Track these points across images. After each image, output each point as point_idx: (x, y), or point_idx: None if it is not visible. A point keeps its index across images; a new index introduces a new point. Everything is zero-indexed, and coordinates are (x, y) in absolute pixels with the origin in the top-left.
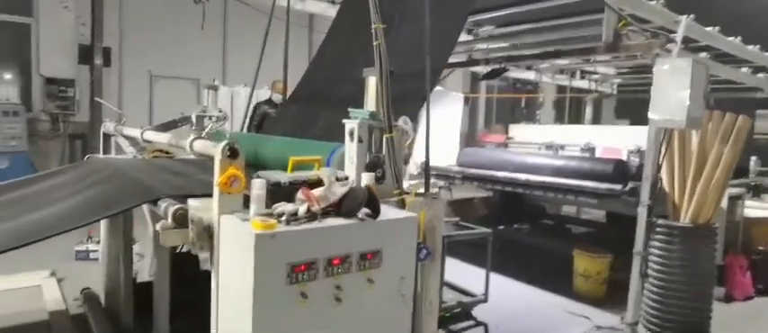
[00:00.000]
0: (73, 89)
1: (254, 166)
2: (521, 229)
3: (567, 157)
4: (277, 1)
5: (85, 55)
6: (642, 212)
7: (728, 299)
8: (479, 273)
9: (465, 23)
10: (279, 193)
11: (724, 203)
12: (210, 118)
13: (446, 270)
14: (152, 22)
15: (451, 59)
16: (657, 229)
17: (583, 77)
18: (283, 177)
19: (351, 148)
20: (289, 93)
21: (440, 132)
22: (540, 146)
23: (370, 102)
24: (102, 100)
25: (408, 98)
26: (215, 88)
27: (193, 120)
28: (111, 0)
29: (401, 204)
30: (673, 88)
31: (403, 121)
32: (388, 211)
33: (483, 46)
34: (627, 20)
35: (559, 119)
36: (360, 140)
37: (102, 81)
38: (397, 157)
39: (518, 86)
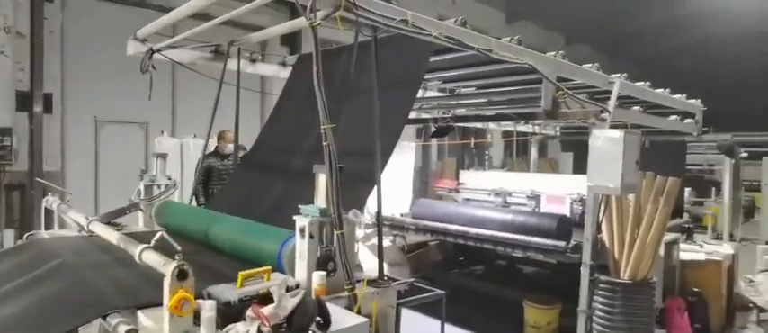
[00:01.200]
0: (10, 138)
1: (206, 244)
2: (474, 271)
3: (515, 212)
4: (227, 64)
5: (24, 102)
6: (585, 272)
7: None
8: (433, 325)
9: (415, 99)
10: (229, 312)
11: (661, 250)
12: (159, 187)
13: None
14: (97, 65)
15: None
16: (600, 286)
17: (526, 123)
18: (233, 294)
19: (302, 246)
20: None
21: (392, 181)
22: (490, 192)
23: (320, 198)
24: (44, 180)
25: (361, 178)
26: (164, 156)
27: (141, 189)
28: (51, 44)
29: (353, 299)
30: (607, 157)
31: (353, 215)
32: (339, 318)
33: (432, 104)
34: (564, 90)
35: (510, 156)
36: (311, 237)
37: (42, 128)
38: (348, 253)
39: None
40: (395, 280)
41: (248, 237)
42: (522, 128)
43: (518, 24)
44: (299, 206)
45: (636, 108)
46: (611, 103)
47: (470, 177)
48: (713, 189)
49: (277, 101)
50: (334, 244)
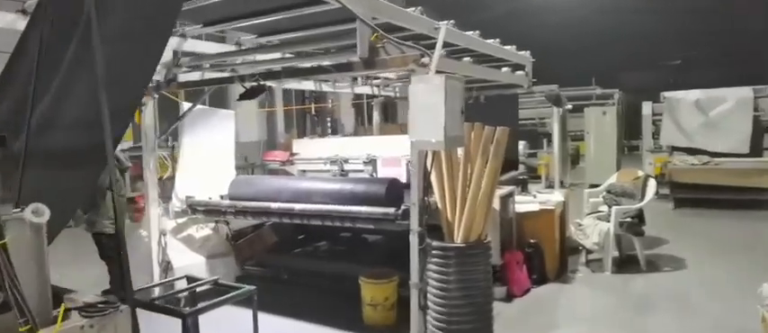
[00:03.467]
0: None
1: None
2: (318, 249)
3: (342, 181)
4: None
5: None
6: (413, 241)
7: (509, 297)
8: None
9: (164, 47)
10: None
11: (496, 204)
12: None
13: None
14: None
15: (209, 75)
16: (433, 252)
17: (365, 83)
18: None
19: None
20: None
21: (208, 159)
22: (325, 161)
23: None
24: None
25: (85, 158)
26: None
27: None
28: None
29: None
30: (429, 107)
31: (33, 213)
32: None
33: (240, 59)
34: (380, 33)
35: (361, 123)
36: None
37: None
38: (19, 275)
39: (307, 96)
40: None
41: None
42: (360, 89)
43: None
44: None
45: (467, 59)
46: (437, 49)
47: (304, 147)
48: (544, 140)
49: (6, 62)
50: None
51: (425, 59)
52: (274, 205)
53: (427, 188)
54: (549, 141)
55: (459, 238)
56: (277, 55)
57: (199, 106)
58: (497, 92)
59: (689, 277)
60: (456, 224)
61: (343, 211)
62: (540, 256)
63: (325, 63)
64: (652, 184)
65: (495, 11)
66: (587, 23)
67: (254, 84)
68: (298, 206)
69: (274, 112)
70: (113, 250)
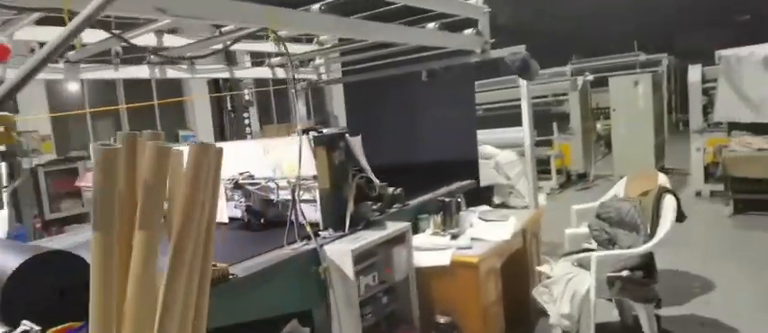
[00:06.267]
0: None
1: None
2: None
3: None
4: None
5: None
6: None
7: None
8: None
9: None
10: None
11: (347, 265)
12: None
13: None
14: None
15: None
16: None
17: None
18: None
19: None
20: None
21: None
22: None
23: None
24: None
25: None
26: None
27: None
28: None
29: None
30: None
31: None
32: None
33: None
34: None
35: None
36: None
37: None
38: None
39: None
40: None
41: None
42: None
43: None
44: None
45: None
46: None
47: None
48: (554, 124)
49: None
50: None
51: None
52: None
53: None
54: (566, 125)
55: None
56: None
57: None
58: (446, 62)
59: None
60: None
61: None
62: None
63: None
64: (669, 204)
65: None
66: None
67: None
68: None
69: None
70: None
